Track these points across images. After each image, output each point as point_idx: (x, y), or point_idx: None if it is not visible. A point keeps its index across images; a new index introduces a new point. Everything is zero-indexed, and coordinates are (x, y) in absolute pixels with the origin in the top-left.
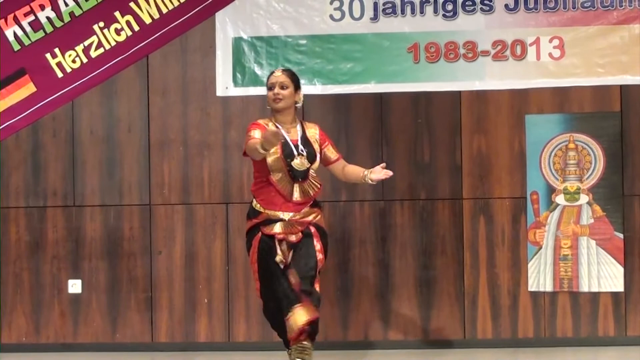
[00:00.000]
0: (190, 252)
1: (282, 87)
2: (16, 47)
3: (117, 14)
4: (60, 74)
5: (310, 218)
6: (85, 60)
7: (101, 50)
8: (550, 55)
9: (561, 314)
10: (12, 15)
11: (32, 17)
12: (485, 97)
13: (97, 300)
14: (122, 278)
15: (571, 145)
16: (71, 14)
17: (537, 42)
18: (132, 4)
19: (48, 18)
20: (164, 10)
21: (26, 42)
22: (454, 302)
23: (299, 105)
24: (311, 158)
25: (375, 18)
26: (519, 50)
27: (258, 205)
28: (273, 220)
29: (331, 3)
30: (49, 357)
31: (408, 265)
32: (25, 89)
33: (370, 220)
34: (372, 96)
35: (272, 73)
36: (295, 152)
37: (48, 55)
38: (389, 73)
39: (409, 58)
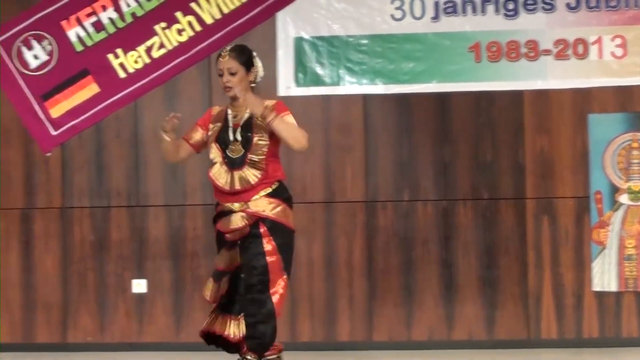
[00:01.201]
0: None
1: (231, 74)
2: (79, 47)
3: (178, 14)
4: (122, 75)
5: (264, 210)
6: (147, 60)
7: (163, 50)
8: (612, 54)
9: (626, 314)
10: (74, 16)
11: (94, 18)
12: (548, 97)
13: (161, 300)
14: (186, 278)
15: (635, 145)
16: (133, 14)
17: (599, 40)
18: (193, 5)
19: (110, 19)
20: (225, 11)
21: (89, 42)
22: (518, 302)
23: (258, 82)
24: (245, 143)
25: (436, 17)
26: (581, 49)
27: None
28: (226, 213)
29: (392, 3)
30: (114, 356)
31: (471, 265)
32: (88, 89)
33: (433, 220)
34: (433, 96)
35: (219, 55)
36: (232, 138)
37: (110, 56)
38: (450, 72)
39: (470, 57)
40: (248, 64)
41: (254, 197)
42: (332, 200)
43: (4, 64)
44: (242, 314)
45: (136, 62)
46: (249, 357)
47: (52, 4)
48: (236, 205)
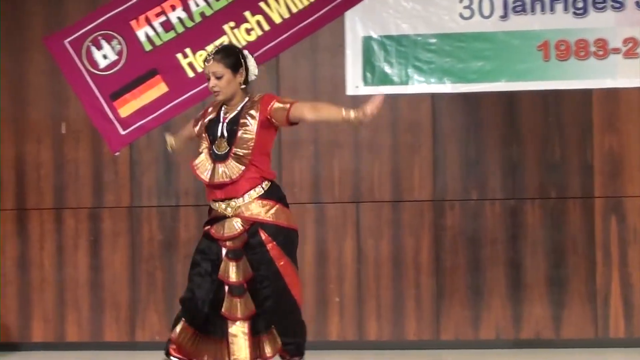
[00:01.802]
0: (321, 251)
1: (217, 77)
2: (147, 47)
3: (247, 13)
4: (191, 74)
5: (259, 213)
6: None
7: None
8: None
9: None
10: (143, 15)
11: (163, 18)
12: (617, 95)
13: None
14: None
15: None
16: (202, 14)
17: None
18: (262, 4)
19: (179, 18)
20: (294, 10)
21: (157, 42)
22: (586, 301)
23: (250, 81)
24: (230, 137)
25: (505, 16)
26: None
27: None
28: (219, 219)
29: (460, 1)
30: None
31: (539, 264)
32: (157, 89)
33: (501, 220)
34: (502, 94)
35: (204, 59)
36: (219, 133)
37: (179, 56)
38: (518, 71)
39: (539, 56)
40: (235, 66)
41: (245, 200)
42: (399, 199)
43: (74, 63)
44: (271, 327)
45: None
46: None
47: (122, 4)
48: (229, 211)
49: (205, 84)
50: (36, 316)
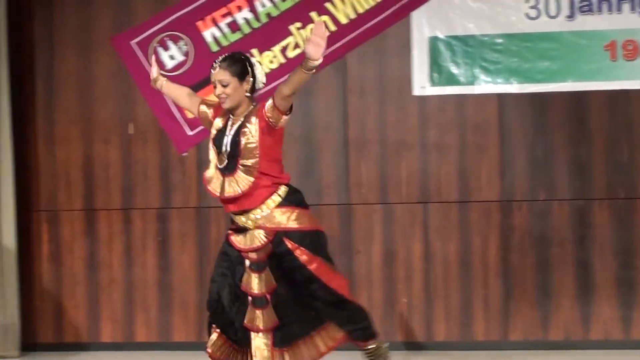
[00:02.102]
0: (389, 251)
1: (223, 85)
2: (214, 48)
3: (313, 14)
4: None
5: (280, 222)
6: (282, 60)
7: (298, 50)
8: None
9: None
10: (210, 16)
11: (229, 19)
12: None
13: None
14: None
15: None
16: (268, 14)
17: None
18: (328, 5)
19: (245, 19)
20: (360, 10)
21: (224, 43)
22: None
23: (258, 90)
24: (234, 149)
25: (571, 16)
26: None
27: None
28: (241, 230)
29: (527, 1)
30: None
31: (608, 264)
32: None
33: (569, 220)
34: (569, 95)
35: (211, 66)
36: (224, 148)
37: None
38: (586, 71)
39: (606, 56)
40: (241, 74)
41: (264, 211)
42: (467, 199)
43: (141, 64)
44: (320, 325)
45: (271, 62)
46: (369, 346)
47: (188, 5)
48: (249, 223)
49: (273, 84)
50: (105, 316)
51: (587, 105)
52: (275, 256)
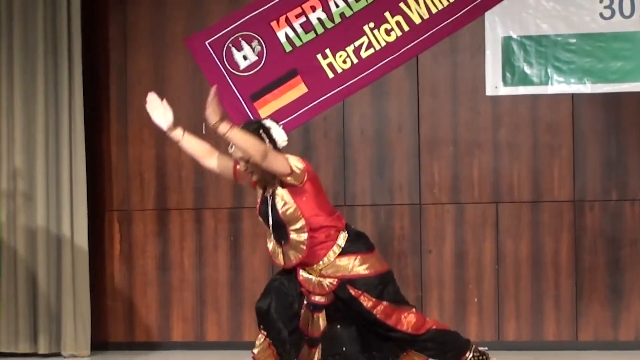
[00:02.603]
0: (460, 251)
1: (245, 161)
2: (288, 48)
3: (387, 14)
4: (331, 75)
5: (343, 272)
6: (355, 60)
7: (371, 50)
8: None
9: None
10: (284, 16)
11: (303, 19)
12: None
13: None
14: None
15: None
16: (342, 14)
17: None
18: (401, 4)
19: (319, 19)
20: (434, 11)
21: (297, 43)
22: None
23: (281, 148)
24: (278, 222)
25: None
26: None
27: None
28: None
29: (601, 1)
30: None
31: None
32: (297, 89)
33: None
34: None
35: (229, 145)
36: (270, 221)
37: (319, 56)
38: None
39: None
40: (258, 137)
41: (325, 262)
42: (539, 199)
43: (214, 64)
44: (402, 352)
45: (344, 62)
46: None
47: (262, 5)
48: (313, 275)
49: (346, 84)
50: (176, 316)
51: None
52: (341, 300)
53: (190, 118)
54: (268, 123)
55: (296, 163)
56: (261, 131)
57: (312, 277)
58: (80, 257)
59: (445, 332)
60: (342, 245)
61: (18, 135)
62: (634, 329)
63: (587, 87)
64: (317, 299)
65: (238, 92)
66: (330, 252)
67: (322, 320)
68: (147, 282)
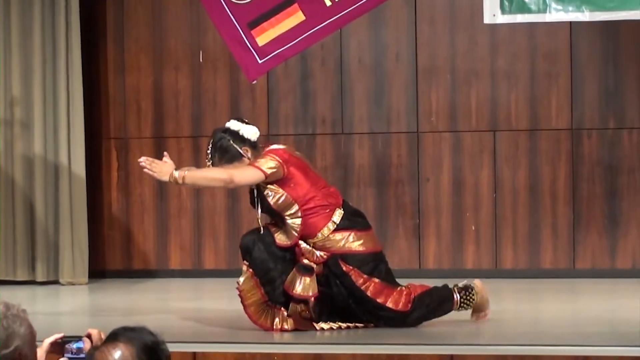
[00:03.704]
0: (458, 179)
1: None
2: None
3: None
4: (328, 2)
5: (335, 245)
6: None
7: None
8: None
9: None
10: None
11: None
12: None
13: None
14: (390, 205)
15: None
16: None
17: None
18: None
19: None
20: None
21: None
22: None
23: (256, 141)
24: (272, 213)
25: None
26: None
27: None
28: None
29: None
30: None
31: None
32: (294, 17)
33: (638, 149)
34: None
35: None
36: (259, 215)
37: None
38: None
39: None
40: (235, 156)
41: (319, 237)
42: (536, 127)
43: None
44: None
45: None
46: (456, 309)
47: None
48: (307, 247)
49: (344, 12)
50: (173, 244)
51: None
52: (333, 273)
53: (187, 45)
54: (234, 126)
55: (268, 164)
56: (231, 141)
57: (305, 245)
58: (78, 185)
59: (426, 293)
60: (337, 222)
61: (15, 64)
62: (631, 258)
63: (585, 15)
64: (306, 262)
65: (235, 19)
66: (325, 228)
67: (312, 283)
68: (145, 210)
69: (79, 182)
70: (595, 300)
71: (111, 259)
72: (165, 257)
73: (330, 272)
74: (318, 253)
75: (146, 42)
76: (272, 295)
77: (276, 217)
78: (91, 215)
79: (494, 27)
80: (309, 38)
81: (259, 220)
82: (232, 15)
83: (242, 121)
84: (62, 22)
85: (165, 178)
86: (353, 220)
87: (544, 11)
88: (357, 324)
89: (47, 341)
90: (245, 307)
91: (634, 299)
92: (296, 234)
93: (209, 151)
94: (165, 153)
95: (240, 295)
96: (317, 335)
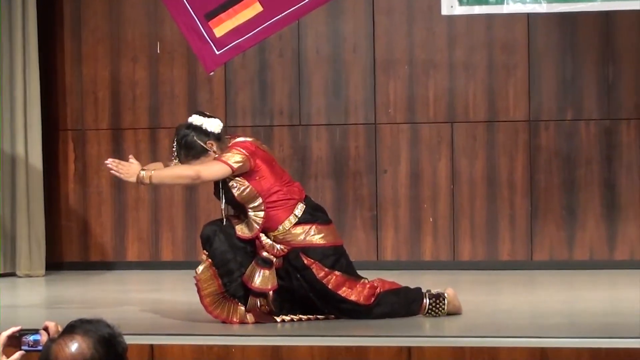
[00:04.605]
0: (415, 171)
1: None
2: None
3: None
4: None
5: (296, 238)
6: None
7: None
8: None
9: None
10: None
11: None
12: None
13: None
14: (348, 197)
15: None
16: None
17: None
18: None
19: None
20: None
21: None
22: None
23: (221, 133)
24: (235, 205)
25: None
26: None
27: None
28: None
29: None
30: None
31: (634, 185)
32: (252, 8)
33: (596, 140)
34: (598, 14)
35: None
36: (222, 206)
37: None
38: None
39: None
40: (201, 151)
41: (280, 230)
42: (494, 119)
43: None
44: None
45: None
46: (423, 313)
47: None
48: (269, 240)
49: (301, 3)
50: (131, 235)
51: (616, 25)
52: (293, 267)
53: (145, 36)
54: (196, 121)
55: (235, 158)
56: (195, 137)
57: (266, 238)
58: (35, 177)
59: (394, 291)
60: (299, 216)
61: None
62: (589, 249)
63: (542, 7)
64: (266, 254)
65: (192, 10)
66: (286, 222)
67: (271, 276)
68: (102, 201)
69: (35, 173)
70: (553, 291)
71: (68, 250)
72: (123, 248)
73: (291, 265)
74: (278, 246)
75: (103, 32)
76: (230, 287)
77: (239, 209)
78: (48, 206)
79: (451, 18)
80: (266, 29)
81: (223, 211)
82: (190, 6)
83: (204, 115)
84: (19, 13)
85: (132, 179)
86: (314, 215)
87: (502, 3)
88: (317, 316)
89: (4, 334)
90: (201, 297)
91: (592, 290)
92: (258, 227)
93: (174, 148)
94: (130, 156)
95: (197, 285)
96: (277, 327)
